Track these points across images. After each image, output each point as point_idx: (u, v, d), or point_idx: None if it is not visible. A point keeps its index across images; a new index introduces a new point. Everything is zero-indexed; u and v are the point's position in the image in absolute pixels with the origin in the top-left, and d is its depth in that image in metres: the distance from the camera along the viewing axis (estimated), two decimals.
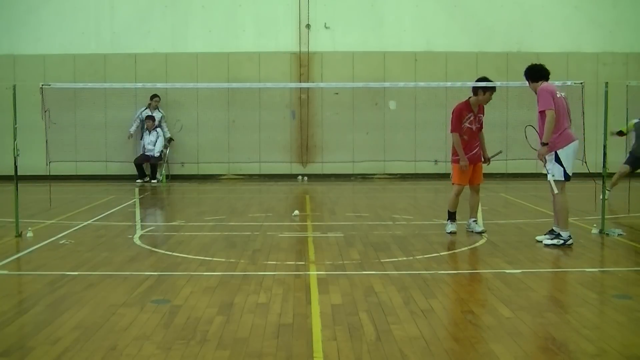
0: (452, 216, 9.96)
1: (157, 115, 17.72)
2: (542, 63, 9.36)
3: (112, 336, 5.53)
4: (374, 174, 18.28)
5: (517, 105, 16.97)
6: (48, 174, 11.35)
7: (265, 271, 7.72)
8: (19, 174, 9.93)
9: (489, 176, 13.73)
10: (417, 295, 6.65)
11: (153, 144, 17.60)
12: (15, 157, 9.85)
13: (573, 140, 8.89)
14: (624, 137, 12.91)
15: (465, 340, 5.45)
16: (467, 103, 9.95)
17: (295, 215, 11.61)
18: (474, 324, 5.88)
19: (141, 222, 11.32)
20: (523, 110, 17.20)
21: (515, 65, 17.72)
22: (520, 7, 18.24)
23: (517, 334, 5.53)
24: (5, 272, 7.83)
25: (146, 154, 17.68)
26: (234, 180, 18.03)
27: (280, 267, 7.96)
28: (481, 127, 10.04)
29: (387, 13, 18.22)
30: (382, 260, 8.21)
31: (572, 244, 8.95)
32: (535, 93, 9.03)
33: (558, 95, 8.94)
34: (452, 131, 9.87)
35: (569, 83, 10.58)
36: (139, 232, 10.23)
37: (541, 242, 9.10)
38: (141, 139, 17.71)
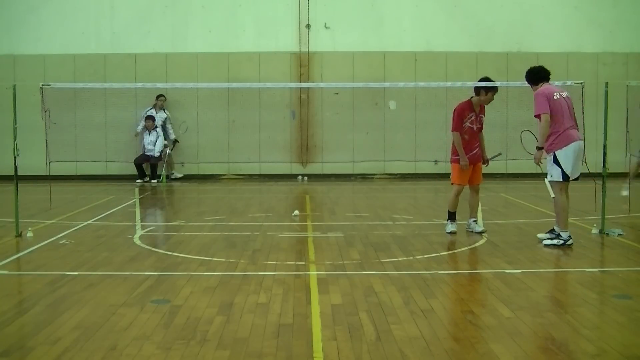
0: (452, 216, 9.96)
1: (162, 115, 17.72)
2: (541, 64, 9.37)
3: (112, 336, 5.53)
4: (374, 174, 18.28)
5: (517, 106, 16.97)
6: (48, 174, 11.34)
7: (265, 271, 7.72)
8: (19, 174, 9.94)
9: (489, 176, 13.74)
10: (417, 295, 6.65)
11: (153, 144, 17.60)
12: (15, 157, 9.85)
13: (573, 141, 8.87)
14: (627, 134, 12.88)
15: (465, 340, 5.45)
16: (469, 102, 9.96)
17: (295, 215, 11.61)
18: (474, 324, 5.88)
19: (141, 222, 11.32)
20: (523, 110, 17.19)
21: (515, 65, 17.75)
22: (520, 7, 18.23)
23: (517, 334, 5.53)
24: (5, 272, 7.83)
25: (146, 154, 17.68)
26: (234, 180, 18.03)
27: (280, 267, 7.96)
28: (482, 128, 10.05)
29: (387, 13, 18.21)
30: (382, 260, 8.21)
31: (572, 244, 8.95)
32: None
33: (556, 97, 8.94)
34: (453, 130, 9.87)
35: (569, 83, 10.58)
36: (139, 232, 10.23)
37: (543, 240, 9.09)
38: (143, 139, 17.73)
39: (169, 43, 18.06)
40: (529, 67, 9.43)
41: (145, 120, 17.61)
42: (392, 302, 6.43)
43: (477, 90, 9.92)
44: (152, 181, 17.42)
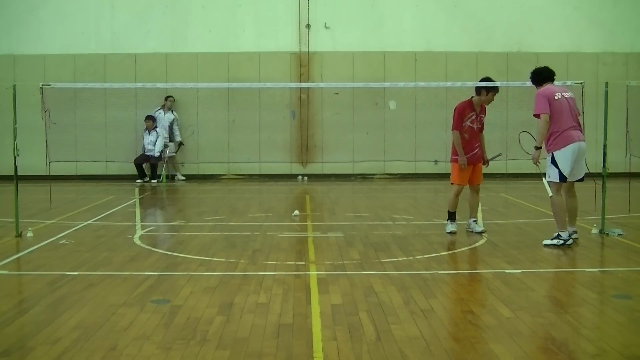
0: (452, 216, 9.96)
1: (169, 116, 17.71)
2: (541, 64, 9.39)
3: (112, 336, 5.53)
4: (374, 174, 18.28)
5: (517, 106, 16.97)
6: (48, 174, 11.35)
7: (265, 271, 7.72)
8: (19, 174, 9.94)
9: (489, 176, 13.75)
10: (417, 295, 6.65)
11: (153, 144, 17.60)
12: (15, 157, 9.85)
13: (572, 142, 8.85)
14: (627, 134, 12.87)
15: (465, 340, 5.45)
16: (469, 102, 9.97)
17: (295, 215, 11.61)
18: (474, 324, 5.88)
19: (141, 222, 11.32)
20: (523, 110, 17.18)
21: (515, 65, 17.79)
22: (520, 7, 18.24)
23: (517, 334, 5.53)
24: (5, 272, 7.83)
25: (146, 154, 17.68)
26: (234, 180, 18.03)
27: (280, 267, 7.96)
28: (482, 128, 10.05)
29: (387, 13, 18.22)
30: (382, 260, 8.21)
31: (572, 244, 8.95)
32: None
33: (558, 97, 8.93)
34: (453, 129, 9.88)
35: (569, 83, 10.57)
36: (139, 232, 10.23)
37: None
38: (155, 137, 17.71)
39: (169, 43, 18.07)
40: (529, 67, 9.45)
41: (145, 121, 17.62)
42: (392, 302, 6.43)
43: (478, 90, 9.93)
44: (152, 181, 17.42)
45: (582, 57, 18.11)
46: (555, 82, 9.40)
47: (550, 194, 8.92)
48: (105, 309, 6.25)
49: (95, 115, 17.66)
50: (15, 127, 9.87)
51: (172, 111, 17.74)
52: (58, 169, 12.79)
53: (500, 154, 10.37)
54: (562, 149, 8.84)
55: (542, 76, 9.20)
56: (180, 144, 17.94)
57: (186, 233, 10.49)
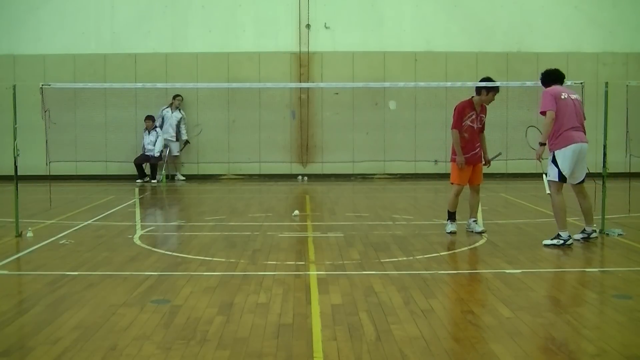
0: (452, 216, 9.96)
1: (177, 115, 17.72)
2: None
3: (112, 336, 5.53)
4: (374, 174, 18.28)
5: (517, 105, 16.98)
6: (48, 174, 11.35)
7: (265, 271, 7.72)
8: (19, 174, 9.93)
9: (489, 176, 13.74)
10: (417, 295, 6.65)
11: (153, 144, 17.61)
12: (15, 157, 9.85)
13: (573, 143, 8.86)
14: (627, 134, 12.88)
15: (465, 340, 5.45)
16: (470, 101, 9.98)
17: (295, 215, 11.61)
18: (474, 324, 5.88)
19: (141, 222, 11.32)
20: (523, 110, 17.22)
21: (515, 65, 17.81)
22: (520, 7, 18.24)
23: (517, 334, 5.53)
24: (5, 272, 7.83)
25: (146, 154, 17.68)
26: (234, 180, 18.03)
27: (280, 267, 7.96)
28: (483, 128, 10.05)
29: (387, 13, 18.22)
30: (382, 260, 8.21)
31: (572, 244, 8.95)
32: None
33: (564, 97, 8.96)
34: (452, 128, 9.88)
35: (569, 83, 10.55)
36: (139, 232, 10.23)
37: (578, 239, 9.15)
38: (162, 137, 17.70)
39: (169, 43, 18.07)
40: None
41: (145, 121, 17.62)
42: (392, 302, 6.43)
43: (478, 90, 9.93)
44: (152, 181, 17.42)
45: (582, 57, 18.11)
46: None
47: (548, 192, 8.93)
48: (105, 309, 6.25)
49: (95, 115, 17.67)
50: (15, 127, 9.87)
51: (179, 110, 17.75)
52: (58, 169, 12.78)
53: (500, 153, 10.37)
54: (563, 149, 8.86)
55: (551, 77, 9.24)
56: (187, 142, 17.94)
57: (186, 233, 10.50)
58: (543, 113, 8.94)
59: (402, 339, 5.42)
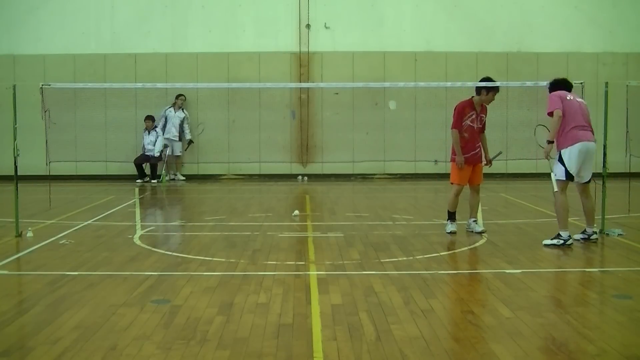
0: (452, 216, 9.96)
1: (180, 115, 17.72)
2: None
3: (112, 336, 5.53)
4: (374, 174, 18.28)
5: (517, 105, 17.00)
6: (48, 174, 11.36)
7: (265, 271, 7.72)
8: (19, 174, 9.93)
9: (489, 176, 13.73)
10: (417, 295, 6.65)
11: (153, 144, 17.61)
12: (15, 157, 9.85)
13: (579, 141, 8.90)
14: (627, 134, 12.88)
15: (465, 340, 5.45)
16: (470, 101, 9.98)
17: (295, 215, 11.61)
18: (474, 324, 5.88)
19: (141, 222, 11.32)
20: (523, 110, 17.25)
21: (515, 65, 17.81)
22: (520, 7, 18.24)
23: (517, 334, 5.53)
24: (5, 272, 7.83)
25: (146, 154, 17.68)
26: (234, 180, 18.03)
27: (280, 267, 7.96)
28: (483, 128, 10.05)
29: (387, 13, 18.22)
30: (382, 260, 8.21)
31: (572, 244, 8.96)
32: None
33: (569, 98, 9.06)
34: (452, 127, 9.88)
35: None
36: (139, 232, 10.23)
37: (579, 239, 9.16)
38: (165, 136, 17.69)
39: (169, 43, 18.07)
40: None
41: (145, 121, 17.62)
42: (392, 302, 6.43)
43: (478, 89, 9.94)
44: (152, 181, 17.42)
45: (582, 57, 18.11)
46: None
47: (556, 189, 8.93)
48: (105, 309, 6.25)
49: (95, 115, 17.66)
50: (15, 127, 9.86)
51: (182, 109, 17.75)
52: (58, 169, 12.80)
53: (500, 152, 10.37)
54: (569, 147, 8.90)
55: (558, 84, 9.38)
56: (190, 142, 17.94)
57: (186, 233, 10.50)
58: (550, 114, 9.01)
59: (402, 339, 5.42)
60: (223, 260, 8.30)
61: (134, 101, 17.78)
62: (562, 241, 8.92)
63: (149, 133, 17.64)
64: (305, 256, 8.50)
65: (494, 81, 9.95)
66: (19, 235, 9.73)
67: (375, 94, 17.96)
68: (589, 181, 9.20)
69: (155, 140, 17.59)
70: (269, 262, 8.17)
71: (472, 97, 10.01)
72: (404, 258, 8.36)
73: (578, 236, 9.22)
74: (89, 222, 11.15)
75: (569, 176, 8.95)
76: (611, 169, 10.07)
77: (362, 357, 5.07)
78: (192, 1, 18.12)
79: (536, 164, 16.54)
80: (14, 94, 9.96)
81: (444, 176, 12.85)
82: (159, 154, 17.63)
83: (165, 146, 17.69)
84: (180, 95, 17.62)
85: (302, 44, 18.08)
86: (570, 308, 6.33)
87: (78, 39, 17.96)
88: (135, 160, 17.69)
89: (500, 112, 15.90)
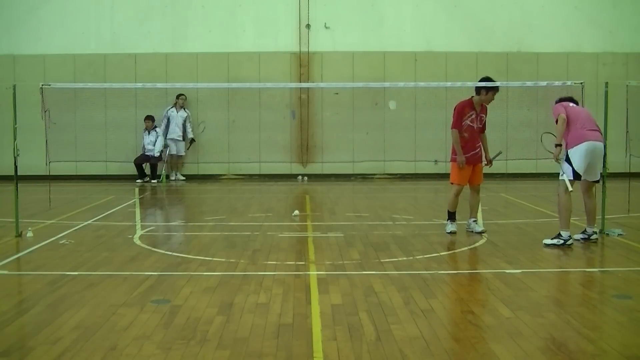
0: (451, 216, 9.95)
1: (182, 114, 17.72)
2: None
3: (112, 336, 5.53)
4: (374, 174, 18.28)
5: (517, 105, 17.00)
6: (48, 174, 11.35)
7: (265, 271, 7.72)
8: (19, 174, 9.93)
9: (489, 176, 13.73)
10: (417, 295, 6.65)
11: (152, 144, 17.61)
12: (15, 157, 9.85)
13: (587, 140, 8.94)
14: (627, 134, 12.89)
15: (465, 340, 5.45)
16: (469, 101, 9.98)
17: (295, 215, 11.61)
18: (474, 324, 5.88)
19: (141, 222, 11.32)
20: (523, 110, 17.25)
21: (515, 65, 17.81)
22: (520, 7, 18.23)
23: (517, 334, 5.53)
24: (5, 272, 7.83)
25: (146, 154, 17.68)
26: (234, 180, 18.03)
27: (280, 267, 7.96)
28: (484, 128, 10.05)
29: (387, 13, 18.22)
30: (382, 260, 8.21)
31: (572, 244, 8.96)
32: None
33: (572, 105, 9.25)
34: (452, 127, 9.89)
35: (569, 83, 10.59)
36: (139, 232, 10.23)
37: (579, 239, 9.18)
38: (167, 136, 17.68)
39: (169, 43, 18.07)
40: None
41: (145, 121, 17.63)
42: (392, 302, 6.43)
43: (478, 89, 9.94)
44: (152, 181, 17.42)
45: (582, 57, 18.11)
46: (555, 82, 9.49)
47: (571, 189, 8.93)
48: (105, 309, 6.25)
49: (95, 115, 17.66)
50: (15, 127, 9.86)
51: (184, 109, 17.76)
52: (58, 169, 12.80)
53: (500, 152, 10.37)
54: (577, 146, 8.95)
55: (563, 98, 9.51)
56: (192, 140, 17.94)
57: (186, 233, 10.50)
58: (556, 121, 9.11)
59: (402, 339, 5.42)
60: (223, 260, 8.30)
61: (134, 101, 17.77)
62: (562, 241, 8.93)
63: (148, 133, 17.64)
64: (305, 256, 8.50)
65: (493, 81, 9.96)
66: (19, 235, 9.73)
67: (375, 94, 17.96)
68: (597, 181, 9.24)
69: (155, 140, 17.59)
70: (269, 262, 8.17)
71: (472, 97, 10.02)
72: (404, 258, 8.36)
73: (578, 236, 9.22)
74: (89, 222, 11.15)
75: (576, 175, 8.98)
76: (611, 169, 10.06)
77: (362, 357, 5.07)
78: (192, 1, 18.12)
79: (536, 164, 16.57)
80: (14, 94, 9.96)
81: (444, 176, 12.85)
82: (159, 154, 17.63)
83: (165, 146, 17.69)
84: (180, 94, 17.62)
85: (302, 44, 18.08)
86: (570, 308, 6.33)
87: (78, 39, 17.95)
88: (135, 160, 17.69)
89: (500, 112, 15.90)
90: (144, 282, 7.23)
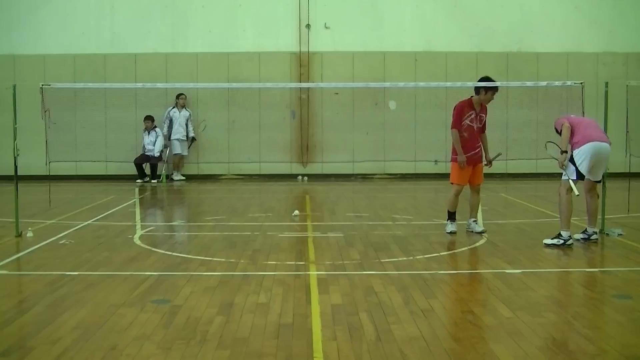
0: (451, 216, 9.95)
1: (184, 114, 17.72)
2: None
3: (112, 336, 5.53)
4: (374, 174, 18.28)
5: (517, 105, 16.99)
6: (48, 174, 11.35)
7: (265, 271, 7.72)
8: (19, 174, 9.93)
9: (489, 176, 13.73)
10: (417, 295, 6.65)
11: (153, 144, 17.61)
12: (15, 157, 9.85)
13: (592, 140, 8.96)
14: (627, 134, 12.89)
15: (465, 340, 5.45)
16: (469, 101, 9.98)
17: (295, 215, 11.61)
18: (474, 324, 5.88)
19: (141, 222, 11.32)
20: (523, 110, 17.24)
21: (515, 65, 17.80)
22: (520, 7, 18.23)
23: (517, 334, 5.53)
24: (5, 272, 7.83)
25: (146, 154, 17.68)
26: (234, 180, 18.03)
27: (280, 267, 7.96)
28: (484, 128, 10.04)
29: (387, 13, 18.22)
30: (382, 260, 8.21)
31: (572, 244, 8.96)
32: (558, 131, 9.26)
33: (574, 115, 9.43)
34: (452, 127, 9.89)
35: (569, 83, 10.58)
36: (139, 232, 10.23)
37: (579, 239, 9.19)
38: (168, 137, 17.68)
39: (169, 43, 18.06)
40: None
41: (144, 121, 17.62)
42: (392, 302, 6.43)
43: (477, 89, 9.94)
44: (152, 181, 17.42)
45: (582, 57, 18.11)
46: (555, 82, 9.51)
47: (577, 194, 8.92)
48: (105, 309, 6.25)
49: (95, 115, 17.65)
50: (15, 127, 9.86)
51: (185, 108, 17.76)
52: (58, 169, 12.78)
53: (500, 153, 10.37)
54: (582, 146, 8.97)
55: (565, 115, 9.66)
56: (193, 139, 17.93)
57: (186, 233, 10.50)
58: (560, 132, 9.18)
59: (402, 339, 5.42)
60: (223, 260, 8.30)
61: (134, 101, 17.77)
62: (562, 241, 8.92)
63: (148, 133, 17.64)
64: (305, 256, 8.50)
65: (493, 81, 9.95)
66: (19, 235, 9.73)
67: (375, 94, 17.95)
68: (599, 181, 9.25)
69: (155, 140, 17.59)
70: (269, 262, 8.17)
71: (471, 96, 10.01)
72: (404, 258, 8.36)
73: (578, 236, 9.22)
74: (89, 222, 11.15)
75: (580, 175, 8.98)
76: (611, 169, 10.06)
77: (362, 357, 5.07)
78: (192, 1, 18.12)
79: (536, 164, 16.57)
80: (14, 94, 9.96)
81: (444, 176, 12.85)
82: (159, 154, 17.63)
83: (166, 146, 17.69)
84: (180, 94, 17.62)
85: (302, 44, 18.08)
86: (571, 308, 6.34)
87: (78, 39, 17.95)
88: (135, 160, 17.68)
89: (500, 112, 15.89)
90: (144, 282, 7.23)
